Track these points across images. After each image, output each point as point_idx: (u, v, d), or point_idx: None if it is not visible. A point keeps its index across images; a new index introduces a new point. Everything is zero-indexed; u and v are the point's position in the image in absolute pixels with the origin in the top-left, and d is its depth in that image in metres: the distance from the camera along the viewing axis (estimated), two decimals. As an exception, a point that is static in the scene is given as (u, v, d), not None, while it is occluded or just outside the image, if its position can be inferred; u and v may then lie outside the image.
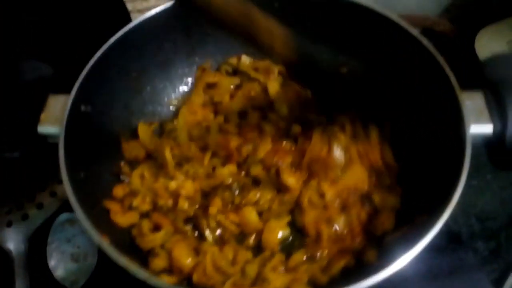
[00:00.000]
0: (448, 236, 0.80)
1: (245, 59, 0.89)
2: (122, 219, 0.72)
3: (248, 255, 0.70)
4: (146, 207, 0.74)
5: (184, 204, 0.72)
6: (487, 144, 0.66)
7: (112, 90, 0.79)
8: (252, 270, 0.66)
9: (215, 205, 0.71)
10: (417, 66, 0.74)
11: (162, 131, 0.86)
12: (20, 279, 0.76)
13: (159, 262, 0.68)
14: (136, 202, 0.74)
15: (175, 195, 0.73)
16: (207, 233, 0.72)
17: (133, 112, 0.84)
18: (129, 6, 1.04)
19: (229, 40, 0.89)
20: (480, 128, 0.65)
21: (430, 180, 0.70)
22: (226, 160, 0.76)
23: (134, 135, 0.83)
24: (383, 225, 0.70)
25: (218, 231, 0.73)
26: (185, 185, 0.73)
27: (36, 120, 0.69)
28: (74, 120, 0.69)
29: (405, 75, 0.76)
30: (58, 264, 0.79)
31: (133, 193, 0.75)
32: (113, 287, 0.75)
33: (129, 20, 0.96)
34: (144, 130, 0.82)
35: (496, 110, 0.65)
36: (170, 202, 0.74)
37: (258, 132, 0.78)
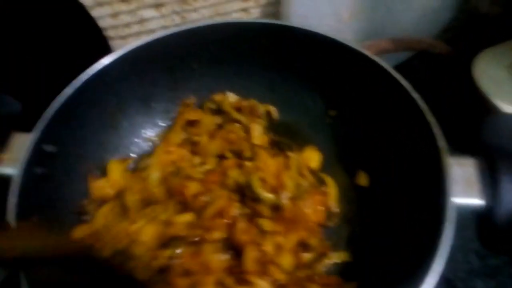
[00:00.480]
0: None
1: (230, 96, 0.84)
2: None
3: None
4: (106, 253, 0.70)
5: (139, 250, 0.68)
6: (476, 220, 0.59)
7: (84, 127, 0.76)
8: None
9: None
10: (404, 121, 0.67)
11: (136, 168, 0.82)
12: None
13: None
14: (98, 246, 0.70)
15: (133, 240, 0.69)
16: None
17: (106, 149, 0.80)
18: (111, 32, 1.00)
19: (215, 75, 0.85)
20: (468, 201, 0.57)
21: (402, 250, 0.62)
22: (183, 208, 0.72)
23: (105, 172, 0.79)
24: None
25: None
26: (144, 230, 0.69)
27: (-4, 160, 0.67)
28: (35, 162, 0.66)
29: (391, 127, 0.70)
30: None
31: (94, 235, 0.71)
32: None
33: (107, 48, 0.95)
34: (115, 168, 0.78)
35: (489, 183, 0.57)
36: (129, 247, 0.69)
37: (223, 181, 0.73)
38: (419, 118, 0.63)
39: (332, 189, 0.77)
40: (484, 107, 0.84)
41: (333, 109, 0.81)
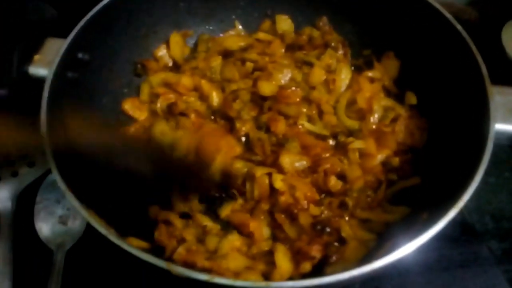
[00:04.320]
0: (462, 228, 0.74)
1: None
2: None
3: None
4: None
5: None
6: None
7: (117, 43, 0.76)
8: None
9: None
10: (448, 51, 0.67)
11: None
12: (3, 237, 0.71)
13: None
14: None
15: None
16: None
17: (135, 70, 0.80)
18: None
19: (249, 6, 0.85)
20: (507, 127, 0.57)
21: (446, 169, 0.64)
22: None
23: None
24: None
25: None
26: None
27: (29, 61, 0.66)
28: (67, 66, 0.66)
29: (437, 59, 0.70)
30: (45, 225, 0.74)
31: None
32: (100, 254, 0.69)
33: None
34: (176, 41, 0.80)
35: (529, 111, 0.57)
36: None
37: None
38: (464, 48, 0.63)
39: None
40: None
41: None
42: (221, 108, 0.76)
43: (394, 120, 0.72)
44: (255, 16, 0.86)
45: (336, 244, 0.63)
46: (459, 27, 0.65)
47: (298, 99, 0.74)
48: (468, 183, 0.52)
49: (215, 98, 0.76)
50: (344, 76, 0.76)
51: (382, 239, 0.63)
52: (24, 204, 0.76)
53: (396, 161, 0.70)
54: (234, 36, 0.85)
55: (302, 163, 0.69)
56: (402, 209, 0.66)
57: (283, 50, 0.82)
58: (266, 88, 0.75)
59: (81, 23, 0.69)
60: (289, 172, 0.68)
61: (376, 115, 0.72)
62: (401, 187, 0.69)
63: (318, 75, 0.77)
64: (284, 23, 0.85)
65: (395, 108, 0.73)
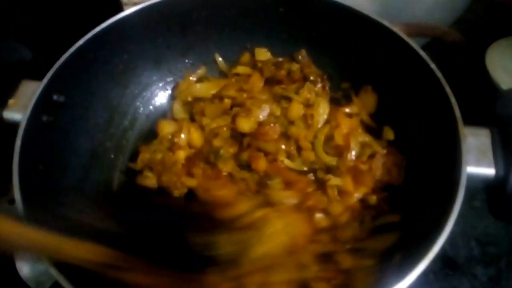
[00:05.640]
0: (443, 261, 0.74)
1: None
2: None
3: None
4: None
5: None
6: (487, 189, 0.58)
7: (93, 82, 0.75)
8: None
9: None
10: (423, 90, 0.67)
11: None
12: (-18, 275, 0.72)
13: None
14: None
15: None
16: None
17: (114, 106, 0.79)
18: None
19: (227, 42, 0.85)
20: (480, 170, 0.57)
21: (423, 209, 0.63)
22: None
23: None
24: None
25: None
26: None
27: (3, 105, 0.66)
28: (42, 109, 0.65)
29: (413, 96, 0.70)
30: (25, 264, 0.73)
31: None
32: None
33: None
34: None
35: (502, 153, 0.57)
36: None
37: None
38: (437, 87, 0.63)
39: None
40: (496, 97, 0.83)
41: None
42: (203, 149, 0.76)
43: (372, 157, 0.72)
44: (234, 50, 0.86)
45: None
46: (433, 66, 0.64)
47: (276, 136, 0.75)
48: (441, 228, 0.52)
49: (197, 138, 0.76)
50: (322, 110, 0.76)
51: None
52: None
53: (373, 199, 0.70)
54: (206, 84, 0.84)
55: (290, 199, 0.68)
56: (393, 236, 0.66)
57: (262, 84, 0.82)
58: (245, 124, 0.76)
59: (57, 64, 0.68)
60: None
61: (353, 152, 0.72)
62: (381, 223, 0.69)
63: (296, 110, 0.77)
64: (263, 55, 0.85)
65: (372, 145, 0.73)
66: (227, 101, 0.79)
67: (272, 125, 0.75)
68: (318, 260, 0.63)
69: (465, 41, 0.97)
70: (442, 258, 0.75)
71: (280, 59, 0.84)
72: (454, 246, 0.76)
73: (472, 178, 0.56)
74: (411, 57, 0.68)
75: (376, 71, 0.77)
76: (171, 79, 0.86)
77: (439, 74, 0.64)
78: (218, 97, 0.81)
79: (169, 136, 0.78)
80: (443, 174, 0.59)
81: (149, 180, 0.75)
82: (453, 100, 0.61)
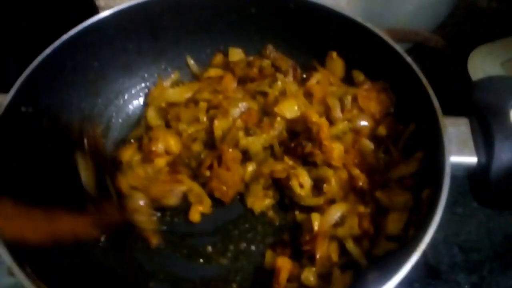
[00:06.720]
0: (425, 269, 0.73)
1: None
2: None
3: None
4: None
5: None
6: (470, 176, 0.59)
7: (63, 92, 0.72)
8: None
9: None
10: (401, 84, 0.68)
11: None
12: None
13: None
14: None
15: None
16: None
17: (85, 115, 0.76)
18: (101, 2, 0.96)
19: (198, 46, 0.84)
20: (463, 159, 0.58)
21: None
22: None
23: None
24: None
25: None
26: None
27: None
28: (10, 122, 0.62)
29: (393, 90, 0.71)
30: None
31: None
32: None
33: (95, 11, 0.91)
34: None
35: (482, 141, 0.58)
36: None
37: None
38: (415, 80, 0.64)
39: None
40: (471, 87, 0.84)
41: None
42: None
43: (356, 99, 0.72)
44: (207, 52, 0.85)
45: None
46: (409, 59, 0.65)
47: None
48: (429, 222, 0.52)
49: (174, 145, 0.73)
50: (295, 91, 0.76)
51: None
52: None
53: (382, 130, 0.69)
54: (179, 88, 0.82)
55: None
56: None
57: (235, 84, 0.80)
58: (224, 125, 0.74)
59: (24, 75, 0.65)
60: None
61: (337, 109, 0.71)
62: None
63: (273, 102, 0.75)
64: (237, 56, 0.84)
65: (348, 90, 0.73)
66: (203, 104, 0.77)
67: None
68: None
69: (448, 46, 0.99)
70: (425, 266, 0.74)
71: (251, 58, 0.83)
72: (436, 253, 0.76)
73: (455, 167, 0.56)
74: (387, 52, 0.69)
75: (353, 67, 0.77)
76: (143, 85, 0.84)
77: (415, 66, 0.65)
78: (193, 101, 0.79)
79: (135, 158, 0.74)
80: (429, 165, 0.60)
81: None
82: (430, 91, 0.62)
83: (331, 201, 0.65)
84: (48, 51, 0.68)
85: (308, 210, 0.66)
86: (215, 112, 0.76)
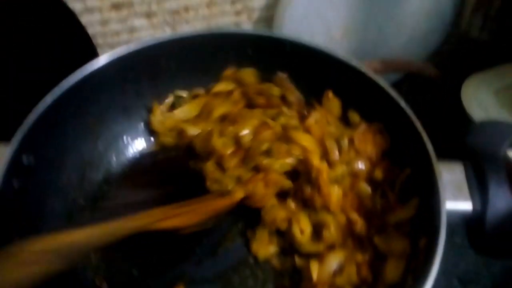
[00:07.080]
0: None
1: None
2: None
3: None
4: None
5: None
6: (466, 223, 0.60)
7: (64, 138, 0.73)
8: None
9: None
10: (395, 127, 0.69)
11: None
12: None
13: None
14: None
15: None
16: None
17: (86, 160, 0.78)
18: (100, 40, 0.99)
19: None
20: (457, 205, 0.59)
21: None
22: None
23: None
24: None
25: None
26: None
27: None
28: (13, 174, 0.63)
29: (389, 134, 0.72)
30: None
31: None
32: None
33: (95, 56, 0.92)
34: None
35: (477, 186, 0.59)
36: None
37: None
38: (409, 125, 0.65)
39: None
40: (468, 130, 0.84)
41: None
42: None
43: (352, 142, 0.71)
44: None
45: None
46: (402, 103, 0.66)
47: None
48: (427, 272, 0.53)
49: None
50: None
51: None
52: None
53: (379, 173, 0.69)
54: (185, 106, 0.83)
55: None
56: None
57: (243, 103, 0.81)
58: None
59: (25, 125, 0.66)
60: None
61: (335, 151, 0.70)
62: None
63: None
64: (250, 76, 0.83)
65: (344, 133, 0.72)
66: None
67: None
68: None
69: (441, 75, 0.99)
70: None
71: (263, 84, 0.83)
72: (436, 285, 0.76)
73: (450, 214, 0.57)
74: (381, 95, 0.69)
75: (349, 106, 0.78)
76: (142, 125, 0.85)
77: (408, 111, 0.66)
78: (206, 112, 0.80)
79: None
80: (423, 211, 0.61)
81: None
82: (424, 136, 0.63)
83: (331, 247, 0.65)
84: (48, 100, 0.68)
85: (307, 255, 0.66)
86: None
